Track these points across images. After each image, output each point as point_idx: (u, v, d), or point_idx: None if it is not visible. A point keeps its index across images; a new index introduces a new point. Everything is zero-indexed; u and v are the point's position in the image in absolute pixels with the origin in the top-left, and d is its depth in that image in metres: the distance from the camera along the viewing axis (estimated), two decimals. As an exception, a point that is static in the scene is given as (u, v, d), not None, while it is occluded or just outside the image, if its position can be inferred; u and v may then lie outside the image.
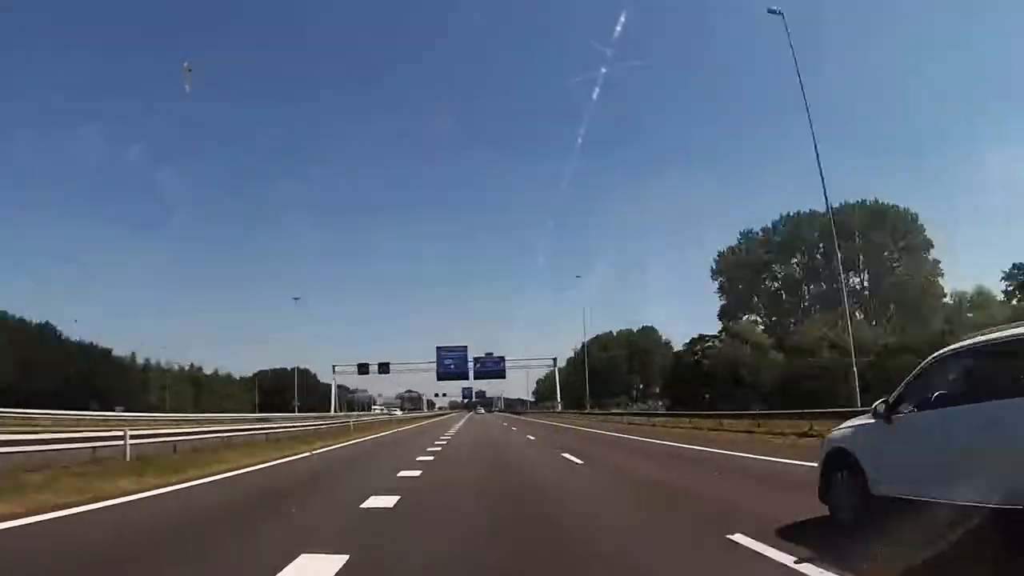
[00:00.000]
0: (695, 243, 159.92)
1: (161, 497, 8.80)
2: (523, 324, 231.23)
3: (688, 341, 70.77)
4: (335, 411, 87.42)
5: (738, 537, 5.47)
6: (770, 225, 71.95)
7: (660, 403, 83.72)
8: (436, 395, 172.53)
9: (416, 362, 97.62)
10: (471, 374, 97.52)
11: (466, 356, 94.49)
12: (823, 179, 27.87)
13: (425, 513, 7.77)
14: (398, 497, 8.43)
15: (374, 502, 8.08)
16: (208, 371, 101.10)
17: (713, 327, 70.24)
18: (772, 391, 54.77)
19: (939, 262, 67.80)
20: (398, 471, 12.51)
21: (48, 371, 60.19)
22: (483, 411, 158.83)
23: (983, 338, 4.88)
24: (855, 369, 26.36)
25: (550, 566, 5.05)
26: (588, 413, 67.30)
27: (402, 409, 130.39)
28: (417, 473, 12.23)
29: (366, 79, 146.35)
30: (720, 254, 73.63)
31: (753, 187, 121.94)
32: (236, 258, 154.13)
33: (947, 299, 65.73)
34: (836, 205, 71.25)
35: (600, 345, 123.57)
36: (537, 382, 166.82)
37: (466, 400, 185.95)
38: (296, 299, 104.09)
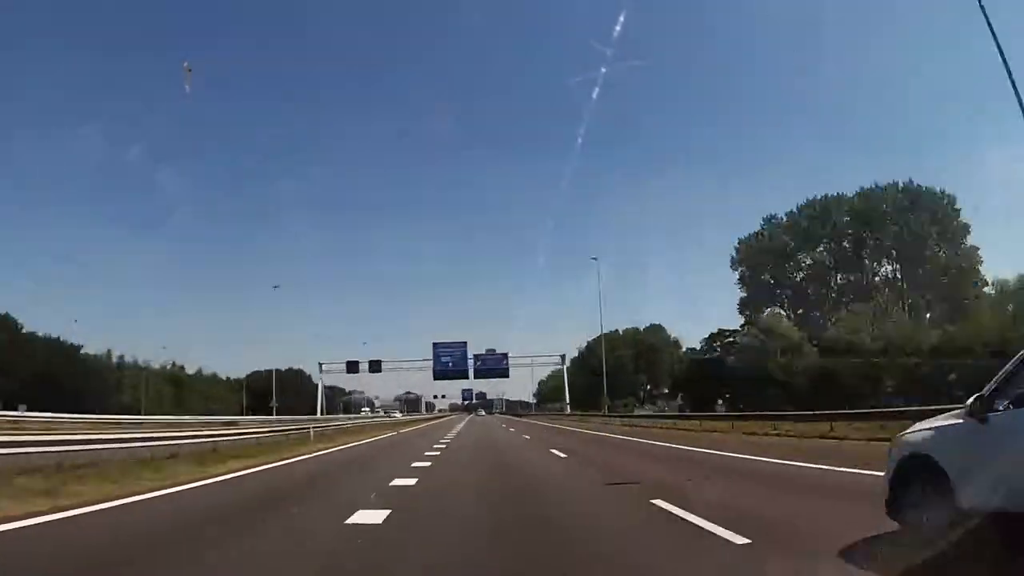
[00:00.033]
0: (695, 243, 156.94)
1: None
2: (523, 324, 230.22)
3: (707, 336, 65.36)
4: (321, 413, 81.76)
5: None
6: (795, 209, 66.43)
7: (676, 404, 78.05)
8: (435, 396, 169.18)
9: (411, 360, 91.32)
10: (471, 372, 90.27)
11: (465, 353, 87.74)
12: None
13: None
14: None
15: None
16: (191, 370, 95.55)
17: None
18: (804, 390, 49.20)
19: (978, 249, 62.48)
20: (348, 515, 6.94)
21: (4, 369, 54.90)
22: (483, 413, 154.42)
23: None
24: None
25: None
26: (605, 415, 60.33)
27: (401, 412, 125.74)
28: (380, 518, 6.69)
29: (366, 79, 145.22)
30: (740, 241, 68.02)
31: (753, 187, 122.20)
32: (236, 258, 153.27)
33: (988, 288, 60.34)
34: (866, 187, 65.87)
35: (605, 344, 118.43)
36: (539, 383, 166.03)
37: (466, 402, 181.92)
38: (276, 287, 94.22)
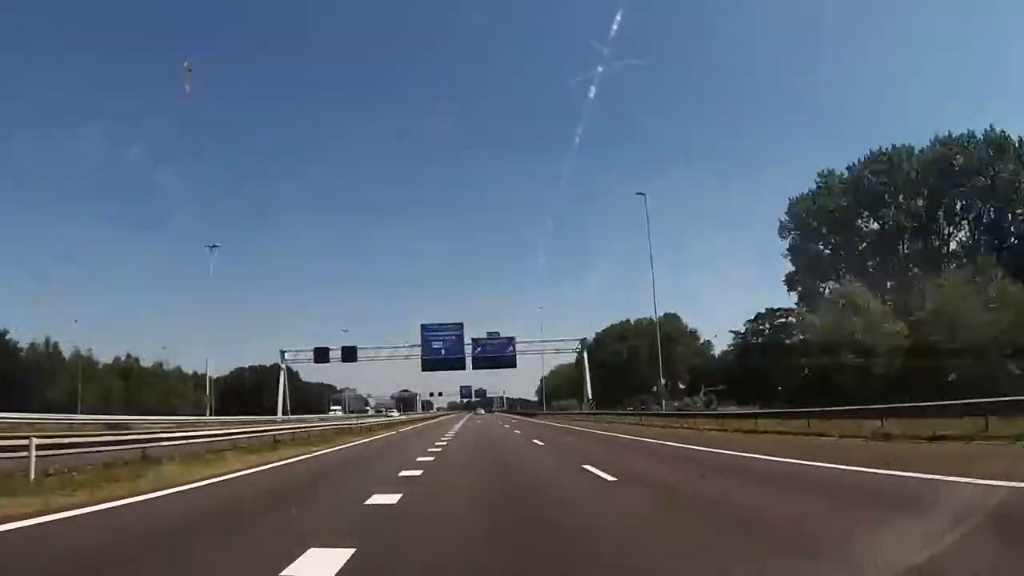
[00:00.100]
0: (696, 243, 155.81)
1: None
2: (524, 324, 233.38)
3: (753, 318, 54.41)
4: (284, 414, 70.20)
5: None
6: (858, 162, 54.89)
7: (702, 399, 66.80)
8: (431, 394, 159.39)
9: (393, 347, 76.87)
10: (468, 362, 74.29)
11: (461, 337, 72.62)
12: None
13: None
14: None
15: None
16: (180, 366, 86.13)
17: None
18: (896, 377, 38.35)
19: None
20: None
21: None
22: (482, 412, 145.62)
23: None
24: None
25: None
26: (657, 414, 43.98)
27: (398, 410, 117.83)
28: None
29: (366, 79, 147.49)
30: (792, 203, 56.47)
31: (753, 187, 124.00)
32: (236, 258, 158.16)
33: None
34: (942, 135, 54.67)
35: (615, 335, 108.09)
36: (542, 380, 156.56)
37: (465, 400, 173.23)
38: (213, 247, 71.82)
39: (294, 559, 4.76)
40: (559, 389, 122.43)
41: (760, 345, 52.99)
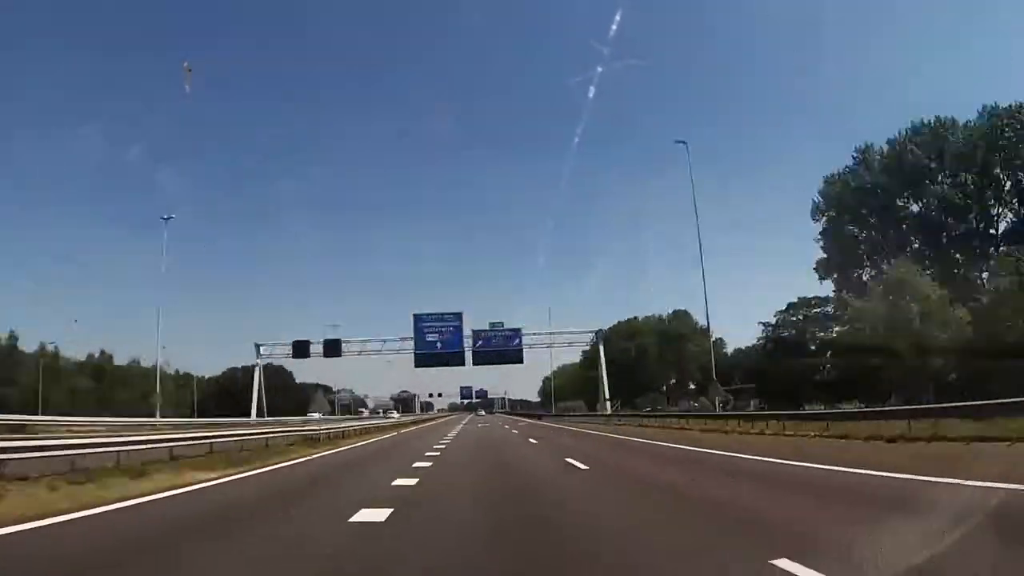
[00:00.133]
0: (696, 242, 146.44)
1: None
2: (526, 322, 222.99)
3: (784, 308, 48.91)
4: (257, 415, 64.46)
5: None
6: (900, 135, 49.02)
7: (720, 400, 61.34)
8: (431, 395, 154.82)
9: (383, 339, 67.49)
10: (468, 357, 65.44)
11: (460, 328, 64.12)
12: None
13: None
14: None
15: None
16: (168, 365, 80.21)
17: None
18: (957, 372, 33.06)
19: None
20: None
21: None
22: (483, 412, 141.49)
23: None
24: None
25: None
26: (705, 415, 35.83)
27: (397, 411, 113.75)
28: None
29: (366, 79, 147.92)
30: (826, 181, 50.34)
31: (753, 187, 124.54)
32: (236, 258, 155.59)
33: None
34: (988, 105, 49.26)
35: (623, 333, 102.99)
36: (544, 381, 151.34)
37: (466, 401, 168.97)
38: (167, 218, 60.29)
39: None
40: (562, 389, 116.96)
41: (794, 338, 47.45)
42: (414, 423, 63.31)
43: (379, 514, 7.17)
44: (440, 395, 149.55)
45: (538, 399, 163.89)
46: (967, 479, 7.99)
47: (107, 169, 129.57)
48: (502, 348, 65.63)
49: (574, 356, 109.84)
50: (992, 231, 48.44)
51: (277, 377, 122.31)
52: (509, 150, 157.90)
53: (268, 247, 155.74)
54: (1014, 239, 46.57)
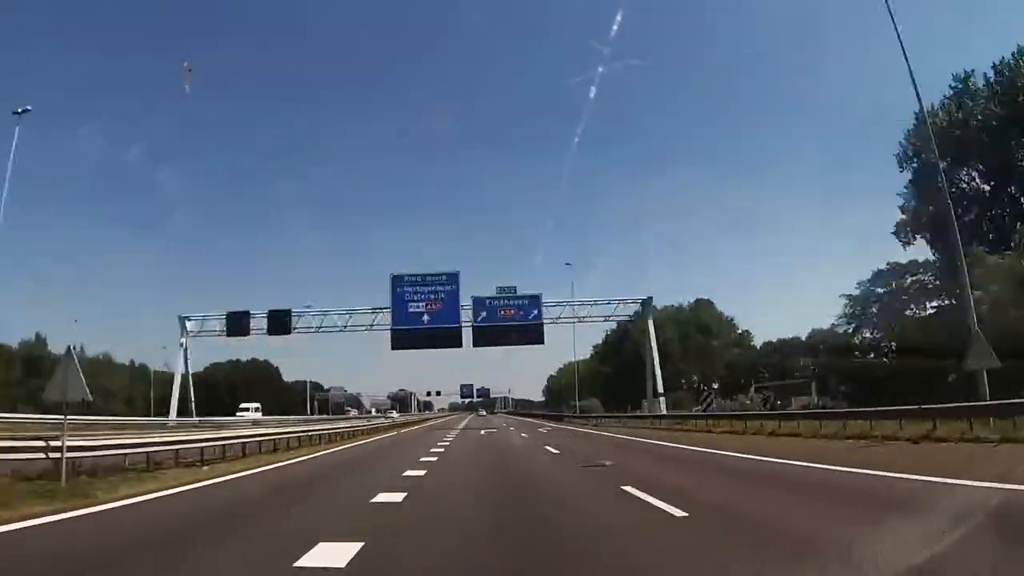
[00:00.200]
0: (696, 243, 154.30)
1: None
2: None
3: (868, 278, 37.74)
4: (175, 415, 50.96)
5: None
6: (1012, 57, 37.15)
7: (759, 398, 50.24)
8: (430, 394, 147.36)
9: (351, 310, 51.79)
10: (467, 335, 49.30)
11: (456, 295, 48.34)
12: None
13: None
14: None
15: None
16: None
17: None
18: None
19: None
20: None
21: None
22: (484, 412, 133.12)
23: None
24: None
25: None
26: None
27: (396, 411, 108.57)
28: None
29: (366, 79, 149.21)
30: (916, 122, 37.78)
31: (753, 187, 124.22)
32: (236, 258, 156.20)
33: None
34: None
35: (638, 327, 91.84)
36: (549, 379, 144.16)
37: (466, 400, 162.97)
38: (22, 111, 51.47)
39: None
40: (570, 388, 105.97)
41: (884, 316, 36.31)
42: (395, 427, 50.41)
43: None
44: (439, 393, 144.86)
45: (542, 398, 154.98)
46: None
47: (107, 169, 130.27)
48: (517, 322, 48.82)
49: (587, 347, 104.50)
50: None
51: (265, 375, 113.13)
52: (509, 150, 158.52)
53: (268, 247, 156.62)
54: None
